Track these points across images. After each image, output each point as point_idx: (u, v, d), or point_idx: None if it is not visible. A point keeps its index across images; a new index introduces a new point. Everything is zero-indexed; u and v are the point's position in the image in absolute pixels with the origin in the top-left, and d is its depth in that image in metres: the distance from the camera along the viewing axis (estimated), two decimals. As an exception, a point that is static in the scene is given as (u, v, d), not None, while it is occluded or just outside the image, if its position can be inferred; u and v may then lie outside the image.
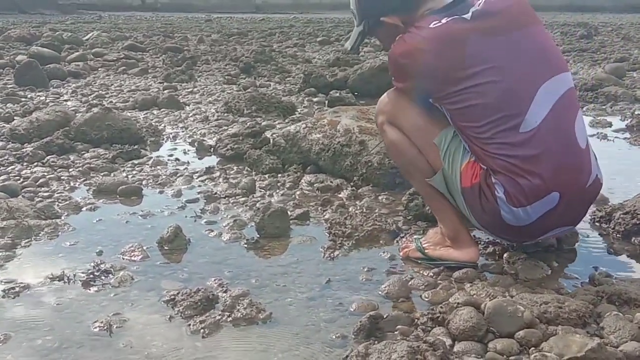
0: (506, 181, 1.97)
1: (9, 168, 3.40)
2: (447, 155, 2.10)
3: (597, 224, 2.57)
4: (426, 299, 1.95)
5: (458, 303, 1.75)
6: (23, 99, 5.61)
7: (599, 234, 2.50)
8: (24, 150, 3.70)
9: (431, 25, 2.01)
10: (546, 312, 1.70)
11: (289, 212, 2.65)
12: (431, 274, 2.13)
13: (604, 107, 5.52)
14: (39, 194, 2.98)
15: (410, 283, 2.05)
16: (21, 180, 3.18)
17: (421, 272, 2.16)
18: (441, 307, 1.75)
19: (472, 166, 2.06)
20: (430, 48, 2.01)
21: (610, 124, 4.75)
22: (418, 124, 2.16)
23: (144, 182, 3.22)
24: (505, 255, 2.21)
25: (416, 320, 1.77)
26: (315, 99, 5.89)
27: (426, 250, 2.22)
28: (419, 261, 2.22)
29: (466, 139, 2.06)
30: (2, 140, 3.97)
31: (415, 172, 2.24)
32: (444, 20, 2.01)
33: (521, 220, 1.99)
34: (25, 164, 3.49)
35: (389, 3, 2.17)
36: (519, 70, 1.98)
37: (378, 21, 2.21)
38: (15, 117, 4.73)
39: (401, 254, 2.29)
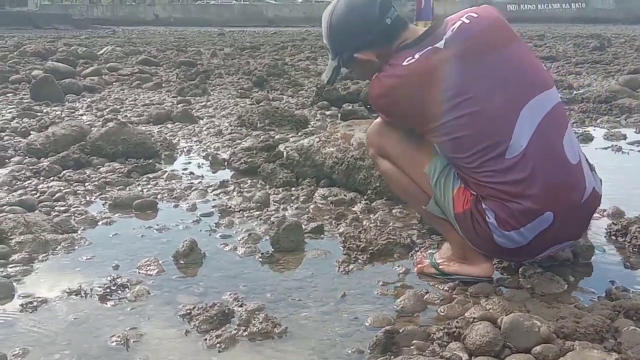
0: (496, 206, 1.98)
1: (26, 182, 3.44)
2: (438, 183, 2.11)
3: (613, 237, 2.56)
4: (442, 314, 1.95)
5: (474, 318, 1.75)
6: (39, 114, 5.67)
7: (615, 248, 2.49)
8: (41, 164, 3.73)
9: (405, 63, 2.01)
10: (563, 327, 1.69)
11: (303, 226, 2.66)
12: (446, 288, 2.13)
13: (618, 119, 5.49)
14: (56, 208, 3.01)
15: (425, 297, 2.04)
16: (38, 194, 3.22)
17: (436, 286, 2.16)
18: (457, 322, 1.75)
19: (463, 192, 2.06)
20: (405, 87, 2.02)
21: (624, 136, 4.72)
22: (407, 154, 2.18)
23: (159, 196, 3.24)
24: (520, 269, 2.20)
25: (432, 334, 1.77)
26: (328, 112, 5.91)
27: (440, 267, 2.22)
28: (434, 276, 2.22)
29: (455, 168, 2.07)
30: (19, 155, 4.02)
31: (411, 200, 2.28)
32: (417, 56, 2.00)
33: (516, 242, 1.99)
34: (41, 178, 3.52)
35: (361, 39, 2.14)
36: (499, 95, 1.96)
37: (352, 57, 2.19)
38: (31, 132, 4.78)
39: (415, 269, 2.29)
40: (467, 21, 2.04)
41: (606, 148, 4.36)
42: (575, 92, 7.00)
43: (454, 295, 2.07)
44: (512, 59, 2.02)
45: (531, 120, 1.95)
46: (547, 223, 1.95)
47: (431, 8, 15.53)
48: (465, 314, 1.82)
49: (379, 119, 2.26)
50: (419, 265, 2.28)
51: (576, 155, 2.01)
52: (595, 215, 2.80)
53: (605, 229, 2.61)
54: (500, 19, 2.10)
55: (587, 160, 2.09)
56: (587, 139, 4.64)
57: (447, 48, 1.99)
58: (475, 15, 2.07)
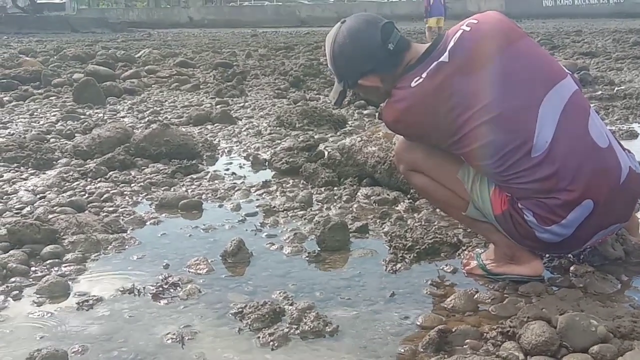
0: (532, 204, 1.96)
1: (74, 184, 3.51)
2: (474, 187, 2.10)
3: (665, 236, 2.50)
4: (494, 313, 1.94)
5: (528, 317, 1.73)
6: (82, 116, 5.78)
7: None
8: (87, 166, 3.81)
9: (413, 84, 2.00)
10: (620, 327, 1.67)
11: (348, 225, 2.67)
12: (497, 288, 2.11)
13: (663, 115, 5.38)
14: (104, 208, 3.07)
15: (476, 297, 2.04)
16: (86, 195, 3.29)
17: (487, 285, 2.14)
18: (511, 321, 1.74)
19: (499, 193, 2.05)
20: (418, 108, 2.02)
21: (671, 133, 4.62)
22: (437, 164, 2.17)
23: (203, 196, 3.29)
24: (572, 268, 2.17)
25: (485, 334, 1.76)
26: (365, 112, 5.92)
27: (488, 267, 2.20)
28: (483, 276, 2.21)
29: (484, 174, 2.06)
30: (65, 157, 4.11)
31: (450, 209, 2.28)
32: (424, 75, 1.99)
33: (560, 235, 1.97)
34: (89, 179, 3.60)
35: (364, 67, 2.13)
36: (513, 97, 1.94)
37: (356, 82, 2.19)
38: (76, 134, 4.89)
39: (464, 270, 2.28)
40: (468, 29, 2.03)
41: (653, 145, 4.27)
42: (617, 88, 6.86)
43: (505, 295, 2.06)
44: (520, 58, 2.00)
45: (552, 114, 1.93)
46: (588, 211, 1.92)
47: (442, 5, 15.49)
48: (518, 313, 1.80)
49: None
50: (467, 267, 2.27)
51: (605, 139, 1.98)
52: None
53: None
54: (502, 20, 2.07)
55: (618, 142, 2.06)
56: (632, 135, 4.55)
57: (451, 60, 1.98)
58: (476, 21, 2.06)
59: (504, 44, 2.00)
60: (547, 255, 2.25)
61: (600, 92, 6.56)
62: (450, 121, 1.98)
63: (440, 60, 1.99)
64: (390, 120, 2.14)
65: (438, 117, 1.99)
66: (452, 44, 2.01)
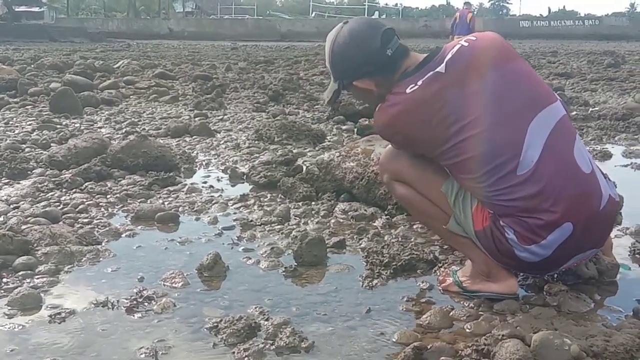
0: (513, 222, 1.99)
1: (49, 194, 3.46)
2: (457, 201, 2.12)
3: (637, 255, 2.55)
4: (469, 330, 1.95)
5: (503, 335, 1.74)
6: (58, 126, 5.72)
7: (640, 266, 2.48)
8: (63, 176, 3.76)
9: (408, 90, 2.03)
10: (593, 346, 1.68)
11: (325, 241, 2.67)
12: (472, 305, 2.12)
13: (636, 136, 5.47)
14: (79, 220, 3.02)
15: (451, 314, 2.04)
16: (61, 206, 3.24)
17: (462, 302, 2.15)
18: (485, 339, 1.75)
19: (482, 209, 2.07)
20: (411, 115, 2.04)
21: (643, 154, 4.70)
22: (422, 176, 2.19)
23: (180, 209, 3.26)
24: (545, 286, 2.19)
25: (460, 352, 1.77)
26: (344, 127, 5.93)
27: (464, 284, 2.21)
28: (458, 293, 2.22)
29: (468, 189, 2.08)
30: (40, 167, 4.06)
31: (431, 221, 2.30)
32: (419, 82, 2.02)
33: (538, 255, 2.00)
34: (64, 190, 3.55)
35: (361, 69, 2.16)
36: (504, 114, 1.97)
37: (351, 83, 2.22)
38: (52, 144, 4.83)
39: (439, 287, 2.29)
40: (466, 44, 2.07)
41: (626, 165, 4.34)
42: (591, 109, 6.99)
43: (480, 312, 2.07)
44: (514, 77, 2.04)
45: (540, 135, 1.96)
46: (567, 233, 1.95)
47: (467, 24, 15.57)
48: (493, 331, 1.81)
49: (390, 146, 2.29)
50: (443, 284, 2.28)
51: (588, 165, 2.02)
52: (618, 233, 2.81)
53: (629, 247, 2.59)
54: (499, 40, 2.12)
55: (599, 168, 2.10)
56: (606, 156, 4.63)
57: (448, 72, 2.01)
58: (474, 38, 2.11)
59: (499, 62, 2.04)
60: (521, 274, 2.27)
61: (575, 113, 6.66)
62: (441, 130, 2.00)
63: (436, 70, 2.03)
64: (381, 124, 2.15)
65: (429, 125, 2.01)
66: (449, 56, 2.04)
